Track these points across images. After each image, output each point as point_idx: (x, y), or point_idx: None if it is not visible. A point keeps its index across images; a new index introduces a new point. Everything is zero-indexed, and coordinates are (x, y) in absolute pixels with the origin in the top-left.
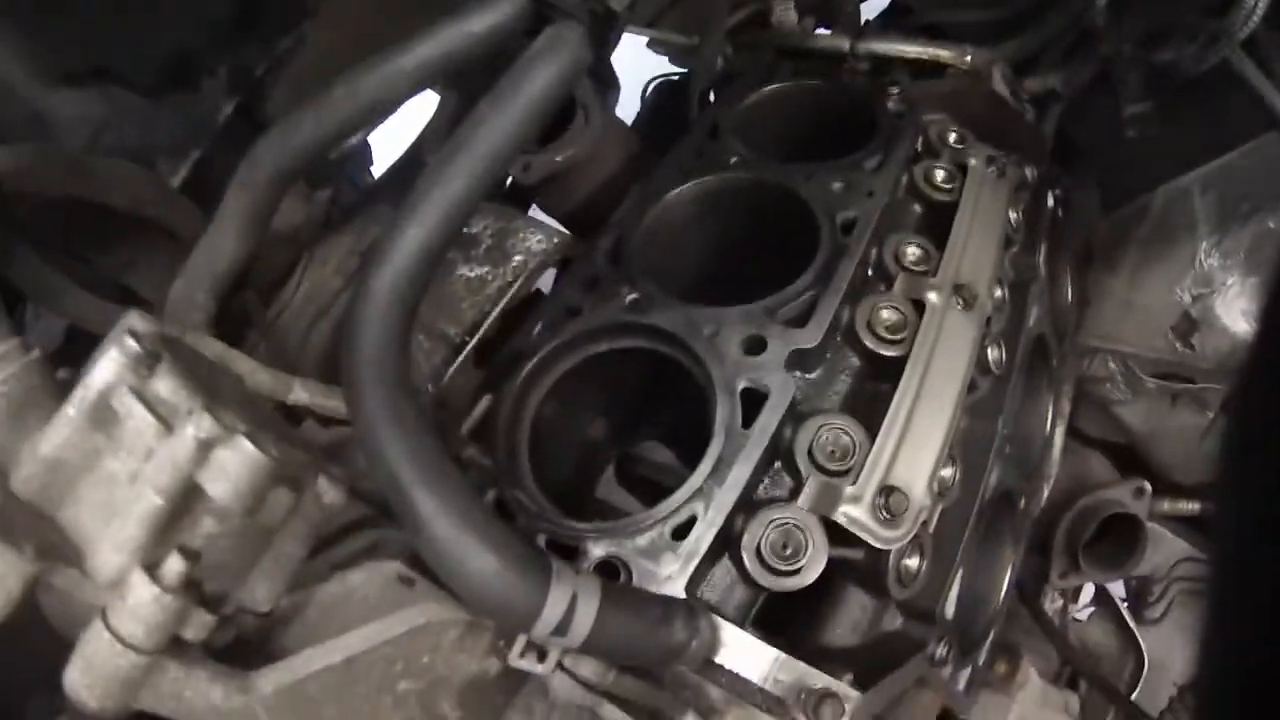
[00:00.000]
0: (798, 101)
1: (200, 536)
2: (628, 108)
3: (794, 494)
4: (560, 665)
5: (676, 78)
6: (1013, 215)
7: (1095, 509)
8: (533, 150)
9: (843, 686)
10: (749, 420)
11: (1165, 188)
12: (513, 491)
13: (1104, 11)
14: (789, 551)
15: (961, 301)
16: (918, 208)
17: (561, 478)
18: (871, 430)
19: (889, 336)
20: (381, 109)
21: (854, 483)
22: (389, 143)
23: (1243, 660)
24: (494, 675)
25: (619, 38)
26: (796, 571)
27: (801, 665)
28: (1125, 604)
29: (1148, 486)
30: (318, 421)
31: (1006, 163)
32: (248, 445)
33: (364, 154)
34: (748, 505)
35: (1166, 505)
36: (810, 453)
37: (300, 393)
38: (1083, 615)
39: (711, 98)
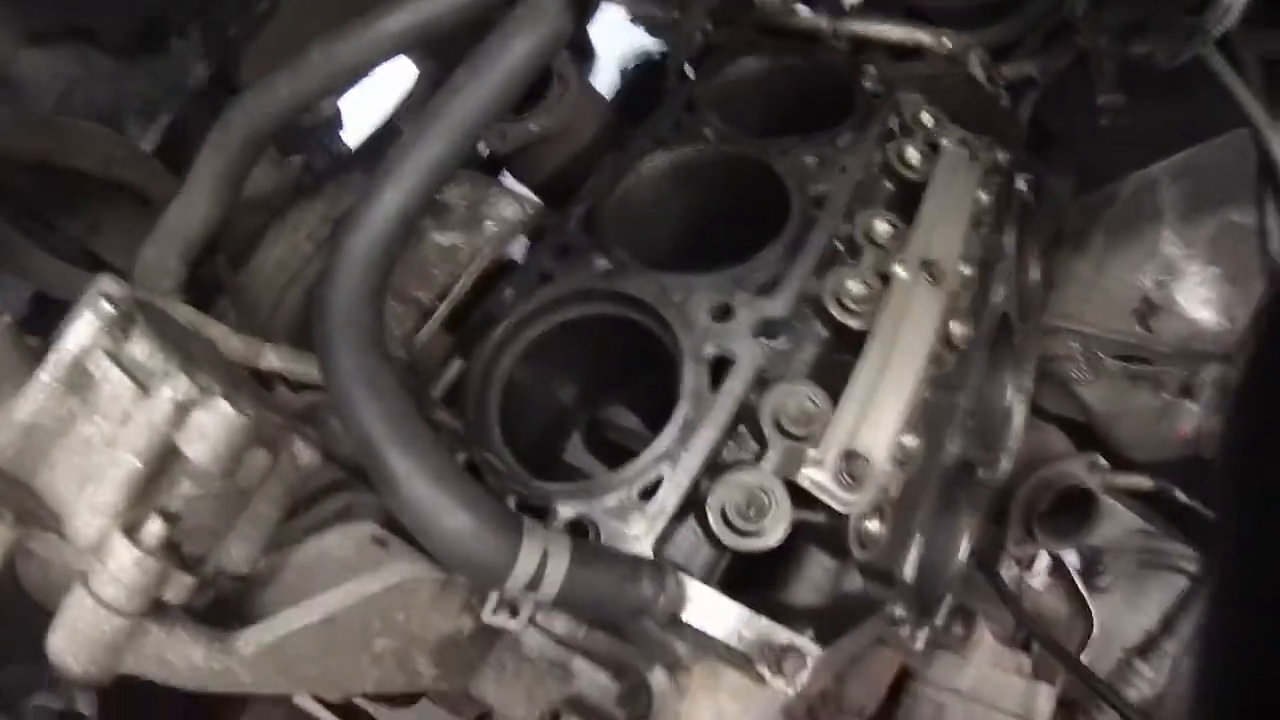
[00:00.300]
0: (775, 78)
1: (178, 499)
2: (607, 81)
3: (758, 457)
4: (532, 621)
5: (657, 53)
6: (983, 196)
7: (1051, 481)
8: (508, 119)
9: (804, 641)
10: (715, 385)
11: (1134, 176)
12: (483, 454)
13: (1084, 2)
14: (753, 513)
15: (929, 277)
16: (889, 185)
17: (530, 441)
18: (836, 398)
19: (855, 308)
20: (358, 73)
21: (816, 446)
22: (361, 111)
23: (1241, 664)
24: (468, 633)
25: (597, 8)
26: (760, 533)
27: (765, 621)
28: (1078, 573)
29: (1103, 461)
30: (288, 387)
31: (979, 146)
32: (225, 406)
33: (336, 121)
34: (713, 468)
35: (1120, 480)
36: (775, 418)
37: (271, 358)
38: (1037, 583)
39: (689, 71)
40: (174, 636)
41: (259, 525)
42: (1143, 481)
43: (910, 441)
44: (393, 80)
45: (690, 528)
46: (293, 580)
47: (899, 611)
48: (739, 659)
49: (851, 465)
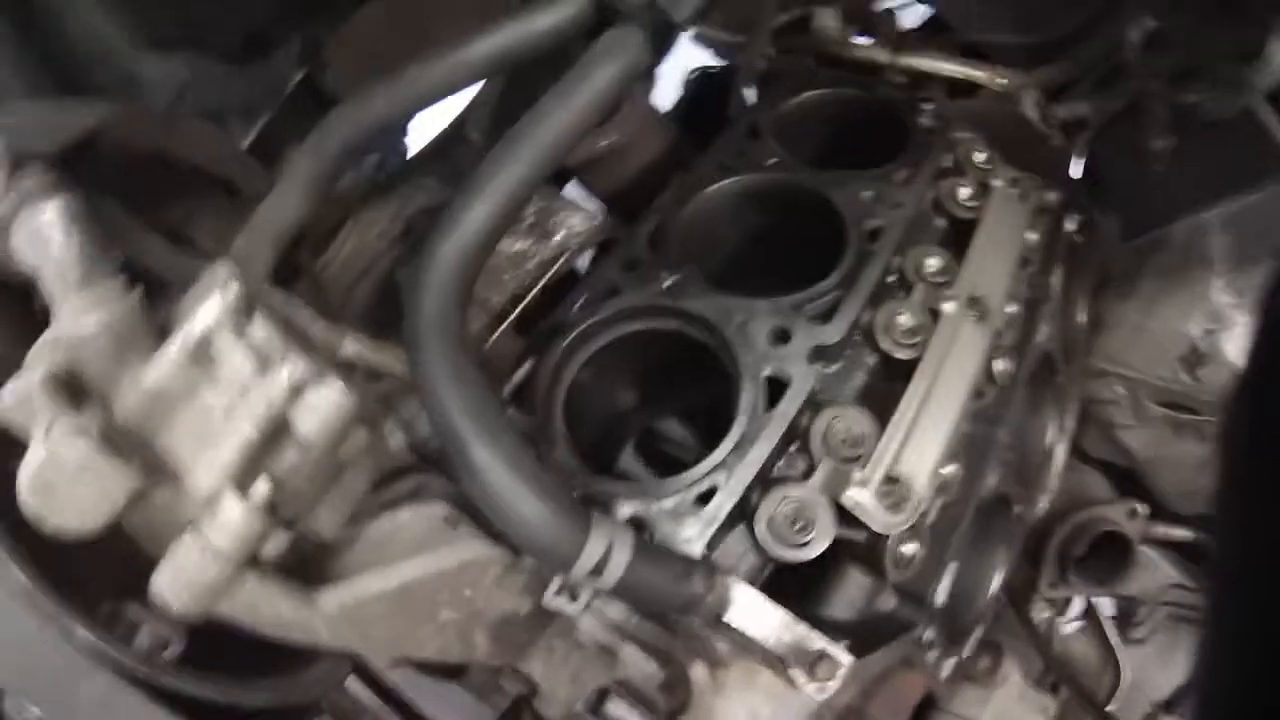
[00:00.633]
0: (834, 108)
1: (284, 467)
2: (667, 97)
3: (806, 475)
4: (589, 607)
5: (714, 70)
6: (1031, 236)
7: (1089, 525)
8: None
9: (838, 649)
10: (771, 405)
11: (1185, 222)
12: (548, 451)
13: (1137, 47)
14: (798, 526)
15: (975, 314)
16: (941, 222)
17: (588, 444)
18: (882, 424)
19: (904, 341)
20: (446, 92)
21: (863, 469)
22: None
23: (1239, 689)
24: (524, 614)
25: (675, 43)
26: (804, 545)
27: (803, 627)
28: (1111, 621)
29: (1143, 508)
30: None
31: (1030, 186)
32: (339, 386)
33: (404, 125)
34: (764, 482)
35: (1160, 530)
36: (825, 438)
37: (351, 346)
38: (1068, 628)
39: (750, 94)
40: (266, 587)
41: (347, 496)
42: (1182, 533)
43: (950, 470)
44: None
45: (738, 536)
46: (365, 551)
47: (929, 634)
48: (775, 661)
49: (893, 488)
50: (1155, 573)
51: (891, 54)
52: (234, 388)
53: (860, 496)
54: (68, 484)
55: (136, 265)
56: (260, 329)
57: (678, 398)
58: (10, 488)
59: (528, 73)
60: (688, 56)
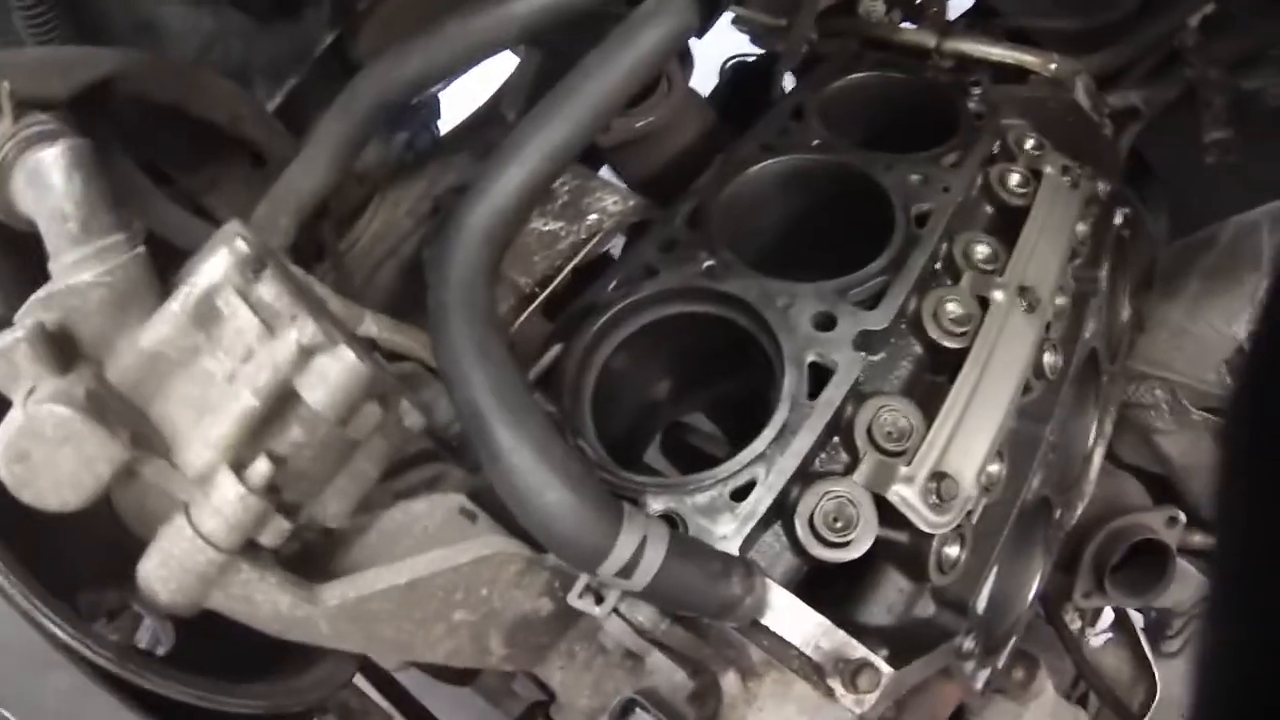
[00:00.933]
0: (880, 92)
1: (288, 443)
2: (703, 85)
3: (849, 469)
4: (616, 610)
5: (753, 59)
6: (1081, 227)
7: (1126, 532)
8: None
9: (879, 660)
10: (814, 393)
11: (1236, 220)
12: (575, 439)
13: (1195, 33)
14: (840, 524)
15: (1025, 304)
16: (989, 208)
17: (616, 435)
18: (928, 417)
19: (953, 329)
20: (485, 53)
21: (908, 464)
22: (455, 95)
23: (1239, 688)
24: (544, 616)
25: (724, 9)
26: (845, 544)
27: (842, 634)
28: (1144, 633)
29: (1182, 516)
30: (383, 357)
31: (1080, 174)
32: (350, 353)
33: (434, 104)
34: (805, 476)
35: (1198, 539)
36: (869, 431)
37: (371, 325)
38: (1099, 640)
39: (789, 79)
40: (264, 578)
41: (357, 482)
42: None
43: (995, 468)
44: (490, 67)
45: (775, 534)
46: (376, 542)
47: (968, 644)
48: (812, 670)
49: (940, 486)
50: (1191, 584)
51: (939, 38)
52: (238, 351)
53: (906, 493)
54: (47, 453)
55: (151, 233)
56: (269, 287)
57: (712, 388)
58: None
59: (566, 50)
60: (724, 45)
